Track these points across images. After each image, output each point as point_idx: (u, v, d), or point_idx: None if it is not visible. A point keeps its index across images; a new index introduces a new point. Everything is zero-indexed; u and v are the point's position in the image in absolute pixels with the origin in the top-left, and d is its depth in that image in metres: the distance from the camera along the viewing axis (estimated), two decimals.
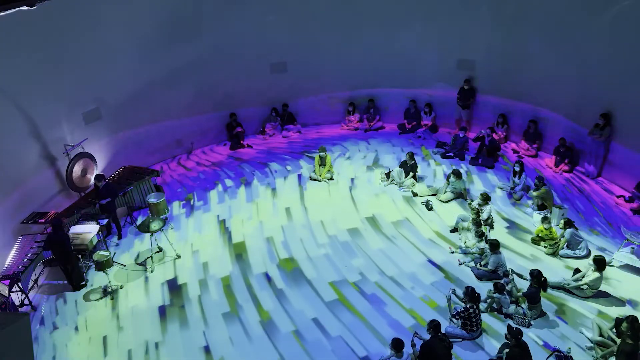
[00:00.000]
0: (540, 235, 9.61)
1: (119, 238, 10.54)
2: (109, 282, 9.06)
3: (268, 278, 9.21)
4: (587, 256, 9.10)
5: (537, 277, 7.88)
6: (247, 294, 8.88)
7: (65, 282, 9.23)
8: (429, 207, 10.94)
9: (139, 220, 10.89)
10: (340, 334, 7.92)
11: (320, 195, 11.65)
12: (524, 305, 7.95)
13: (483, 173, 12.24)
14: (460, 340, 7.64)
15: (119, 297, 8.96)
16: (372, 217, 10.76)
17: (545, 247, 9.49)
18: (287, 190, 11.93)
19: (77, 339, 8.14)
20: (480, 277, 8.87)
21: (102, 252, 8.99)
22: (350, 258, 9.57)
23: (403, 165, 11.91)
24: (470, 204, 10.51)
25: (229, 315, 8.44)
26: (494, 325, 7.93)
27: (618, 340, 7.06)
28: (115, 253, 10.02)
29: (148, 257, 9.73)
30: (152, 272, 9.49)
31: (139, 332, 8.20)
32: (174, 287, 9.13)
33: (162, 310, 8.60)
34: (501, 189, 11.47)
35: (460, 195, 11.22)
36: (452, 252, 9.56)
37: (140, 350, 7.85)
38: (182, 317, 8.46)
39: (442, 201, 11.13)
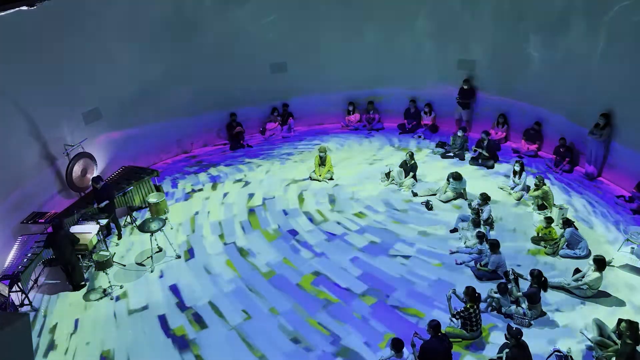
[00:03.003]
0: (540, 234, 9.62)
1: (119, 238, 10.54)
2: (109, 282, 9.06)
3: (270, 282, 9.23)
4: (587, 256, 9.09)
5: (537, 277, 7.88)
6: (248, 295, 8.90)
7: (66, 282, 9.23)
8: (429, 207, 10.94)
9: (138, 222, 10.88)
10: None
11: (322, 199, 11.64)
12: (524, 305, 7.95)
13: (482, 178, 12.24)
14: (460, 340, 7.64)
15: (119, 297, 8.95)
16: (372, 219, 10.79)
17: (545, 247, 9.49)
18: (288, 192, 11.93)
19: (76, 339, 8.12)
20: (480, 277, 8.87)
21: (102, 252, 8.99)
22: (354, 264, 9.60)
23: (403, 165, 11.91)
24: (470, 204, 10.50)
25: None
26: (494, 325, 7.93)
27: (618, 341, 7.05)
28: (115, 253, 10.01)
29: (148, 257, 9.73)
30: (152, 271, 9.49)
31: (138, 333, 8.18)
32: (174, 288, 9.13)
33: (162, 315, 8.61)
34: (501, 188, 11.47)
35: (461, 196, 11.22)
36: (452, 253, 9.56)
37: (140, 350, 7.85)
38: (182, 317, 8.47)
39: (442, 201, 11.13)
